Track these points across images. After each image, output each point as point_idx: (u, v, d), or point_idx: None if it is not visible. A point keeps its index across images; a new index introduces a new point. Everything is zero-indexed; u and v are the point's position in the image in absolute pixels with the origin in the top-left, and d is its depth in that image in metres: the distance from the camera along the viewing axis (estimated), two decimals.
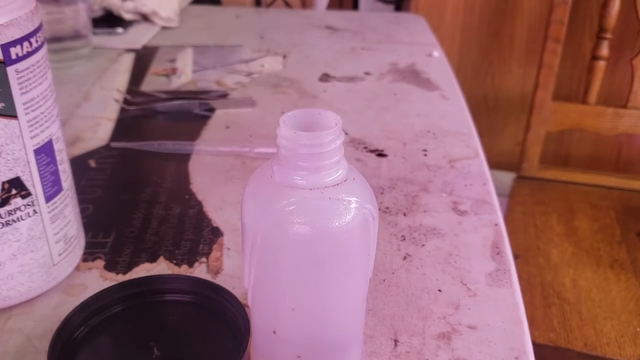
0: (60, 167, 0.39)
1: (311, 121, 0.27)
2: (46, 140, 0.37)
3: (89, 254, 0.44)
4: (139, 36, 0.90)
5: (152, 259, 0.44)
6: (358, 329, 0.31)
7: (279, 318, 0.28)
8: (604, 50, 1.19)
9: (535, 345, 0.48)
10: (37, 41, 0.36)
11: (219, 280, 0.42)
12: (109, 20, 0.92)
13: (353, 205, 0.26)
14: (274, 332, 0.29)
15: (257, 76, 0.77)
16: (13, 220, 0.37)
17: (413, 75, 0.77)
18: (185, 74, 0.77)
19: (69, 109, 0.68)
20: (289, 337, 0.29)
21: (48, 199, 0.38)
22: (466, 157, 0.58)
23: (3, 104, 0.34)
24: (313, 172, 0.26)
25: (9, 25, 0.33)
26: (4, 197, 0.36)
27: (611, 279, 0.99)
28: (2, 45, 0.33)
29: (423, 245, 0.46)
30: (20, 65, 0.34)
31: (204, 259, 0.44)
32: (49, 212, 0.38)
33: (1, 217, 0.36)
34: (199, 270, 0.43)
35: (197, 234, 0.47)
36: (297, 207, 0.26)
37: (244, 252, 0.29)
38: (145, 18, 0.95)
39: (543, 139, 1.26)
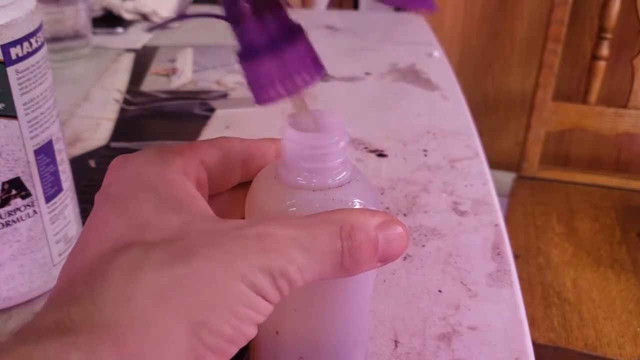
0: (60, 168, 0.39)
1: (315, 122, 0.27)
2: (46, 140, 0.37)
3: None
4: (139, 36, 0.90)
5: None
6: (362, 330, 0.31)
7: (281, 319, 0.27)
8: (604, 50, 1.19)
9: (536, 345, 0.48)
10: (37, 41, 0.35)
11: None
12: (109, 20, 0.92)
13: (357, 206, 0.26)
14: (277, 332, 0.28)
15: None
16: (13, 221, 0.36)
17: (413, 75, 0.77)
18: (185, 74, 0.77)
19: (69, 109, 0.68)
20: (292, 338, 0.29)
21: (48, 199, 0.38)
22: (466, 157, 0.58)
23: (3, 105, 0.34)
24: (317, 174, 0.26)
25: (9, 26, 0.33)
26: (3, 197, 0.36)
27: (611, 279, 0.99)
28: (2, 45, 0.33)
29: (423, 245, 0.46)
30: (20, 66, 0.34)
31: None
32: (49, 213, 0.38)
33: (1, 218, 0.36)
34: None
35: None
36: (300, 208, 0.26)
37: None
38: (145, 18, 0.95)
39: (543, 139, 1.26)
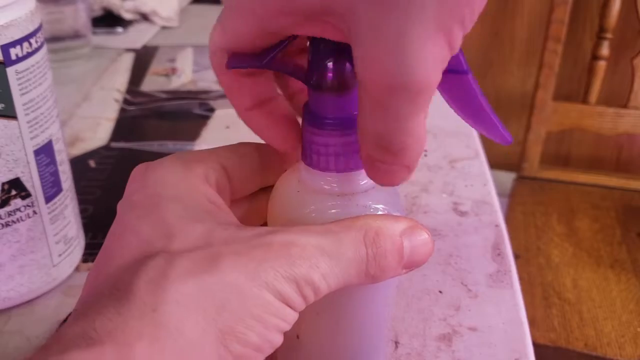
0: (60, 168, 0.39)
1: None
2: (46, 141, 0.37)
3: (89, 255, 0.44)
4: (138, 36, 0.90)
5: None
6: (383, 334, 0.30)
7: (302, 323, 0.27)
8: (605, 50, 1.19)
9: (536, 345, 0.48)
10: (37, 42, 0.35)
11: None
12: (108, 20, 0.92)
13: (380, 212, 0.26)
14: (297, 336, 0.28)
15: None
16: (13, 221, 0.36)
17: None
18: (185, 74, 0.77)
19: (68, 109, 0.68)
20: (313, 342, 0.28)
21: (48, 199, 0.38)
22: (467, 157, 0.58)
23: (3, 105, 0.34)
24: (340, 179, 0.25)
25: (9, 26, 0.33)
26: (3, 198, 0.36)
27: (612, 279, 0.99)
28: (2, 46, 0.33)
29: None
30: (20, 66, 0.34)
31: None
32: (49, 213, 0.38)
33: (1, 218, 0.36)
34: None
35: None
36: (323, 213, 0.25)
37: None
38: (145, 18, 0.95)
39: (543, 139, 1.26)
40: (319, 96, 0.24)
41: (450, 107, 0.24)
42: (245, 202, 0.28)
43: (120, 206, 0.25)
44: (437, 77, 0.20)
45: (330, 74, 0.23)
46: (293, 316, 0.22)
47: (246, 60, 0.24)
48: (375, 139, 0.21)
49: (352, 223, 0.23)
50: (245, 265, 0.21)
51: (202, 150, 0.27)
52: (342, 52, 0.23)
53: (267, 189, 0.28)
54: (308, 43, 0.24)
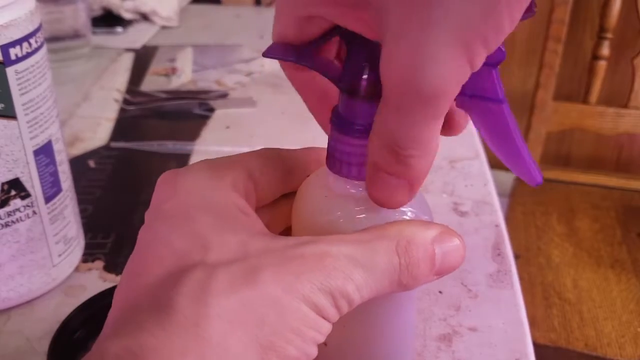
0: (59, 168, 0.39)
1: None
2: (46, 141, 0.37)
3: (89, 255, 0.44)
4: (138, 36, 0.90)
5: None
6: (410, 340, 0.30)
7: (330, 331, 0.27)
8: (605, 50, 1.19)
9: (536, 345, 0.48)
10: (36, 42, 0.35)
11: None
12: (108, 20, 0.92)
13: (409, 215, 0.25)
14: (325, 344, 0.28)
15: (257, 76, 0.77)
16: (12, 222, 0.36)
17: None
18: (185, 73, 0.77)
19: (68, 109, 0.67)
20: (340, 350, 0.28)
21: (47, 200, 0.38)
22: (467, 157, 0.58)
23: (2, 105, 0.34)
24: None
25: (9, 26, 0.33)
26: (3, 198, 0.36)
27: (612, 279, 0.99)
28: (1, 46, 0.33)
29: None
30: (19, 66, 0.34)
31: None
32: (49, 213, 0.38)
33: (0, 219, 0.36)
34: None
35: None
36: (351, 219, 0.25)
37: None
38: (144, 17, 0.95)
39: (544, 138, 1.25)
40: (350, 101, 0.23)
41: (481, 135, 0.24)
42: (268, 208, 0.28)
43: (149, 215, 0.24)
44: (452, 88, 0.20)
45: (364, 80, 0.23)
46: (327, 328, 0.22)
47: (283, 52, 0.24)
48: (383, 139, 0.21)
49: (383, 232, 0.23)
50: (282, 278, 0.21)
51: (228, 157, 0.26)
52: (378, 58, 0.22)
53: (288, 195, 0.28)
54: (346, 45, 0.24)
